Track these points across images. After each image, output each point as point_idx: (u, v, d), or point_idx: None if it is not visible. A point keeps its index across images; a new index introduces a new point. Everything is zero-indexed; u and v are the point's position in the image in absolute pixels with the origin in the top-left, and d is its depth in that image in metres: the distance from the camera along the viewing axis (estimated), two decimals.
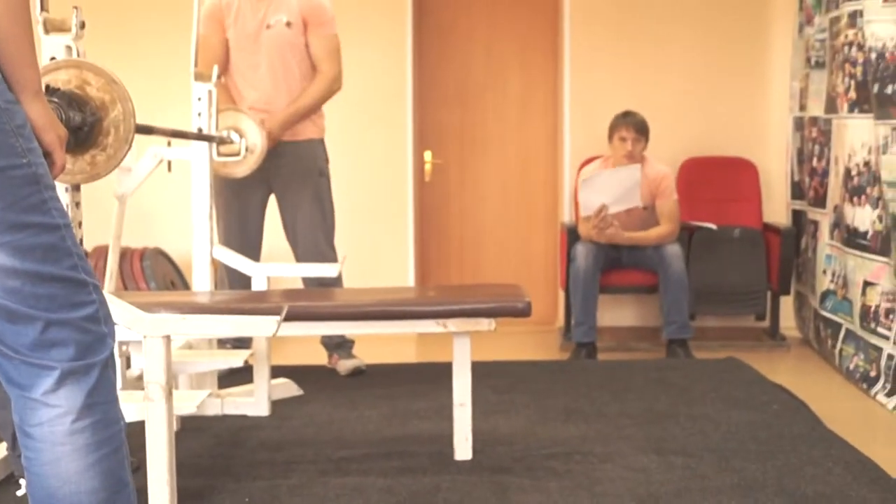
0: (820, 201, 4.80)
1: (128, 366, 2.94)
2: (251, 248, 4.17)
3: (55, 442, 1.52)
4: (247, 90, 4.16)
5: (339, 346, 4.37)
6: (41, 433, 1.53)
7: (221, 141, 3.62)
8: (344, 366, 4.31)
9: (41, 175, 1.50)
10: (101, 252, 4.74)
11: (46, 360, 1.52)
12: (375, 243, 5.54)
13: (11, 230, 1.46)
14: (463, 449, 2.97)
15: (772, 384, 4.00)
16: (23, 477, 2.72)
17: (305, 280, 4.23)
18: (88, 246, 4.80)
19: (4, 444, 2.79)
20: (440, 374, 3.66)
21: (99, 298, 1.59)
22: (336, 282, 4.09)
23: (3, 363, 1.54)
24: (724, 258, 5.06)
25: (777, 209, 5.48)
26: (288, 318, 2.72)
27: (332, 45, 4.19)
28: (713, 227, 5.11)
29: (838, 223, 4.49)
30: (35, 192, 1.49)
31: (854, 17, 4.21)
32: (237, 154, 3.69)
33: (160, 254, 5.16)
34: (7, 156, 1.45)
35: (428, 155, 5.83)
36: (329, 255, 4.20)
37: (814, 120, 4.88)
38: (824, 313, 4.68)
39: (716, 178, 5.45)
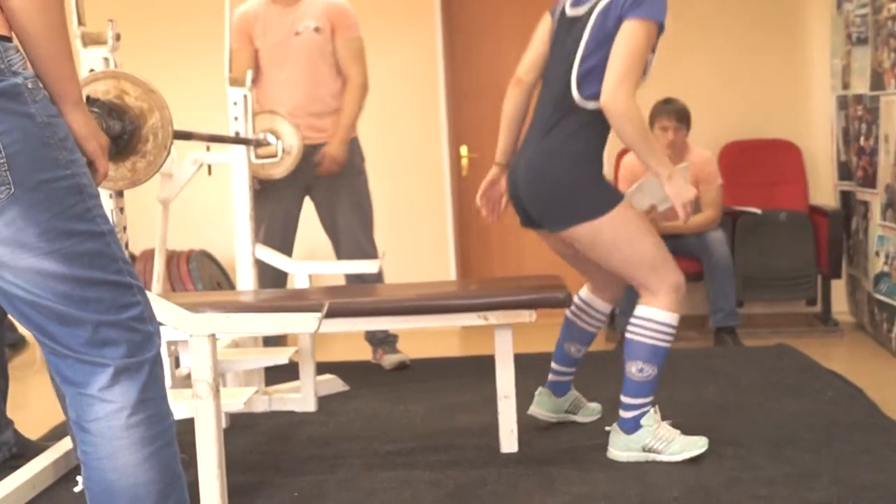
0: (869, 181, 4.71)
1: (177, 365, 2.97)
2: (287, 247, 4.22)
3: (112, 436, 1.58)
4: (278, 97, 4.18)
5: (383, 341, 4.39)
6: (98, 428, 1.58)
7: (259, 143, 3.65)
8: (389, 361, 4.33)
9: (84, 185, 1.55)
10: (149, 255, 4.80)
11: (100, 357, 1.57)
12: (416, 239, 5.56)
13: (59, 238, 1.51)
14: (509, 441, 2.97)
15: (825, 371, 3.94)
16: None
17: (348, 277, 4.26)
18: (136, 250, 4.88)
19: (67, 438, 2.84)
20: (484, 366, 3.65)
21: (143, 300, 1.65)
22: (377, 278, 4.11)
23: (57, 363, 1.60)
24: (771, 243, 4.99)
25: (823, 191, 5.40)
26: (330, 315, 2.74)
27: (357, 49, 4.24)
28: (757, 211, 5.04)
29: (891, 203, 4.41)
30: (80, 202, 1.54)
31: None
32: (275, 156, 3.71)
33: (206, 255, 5.21)
34: (52, 168, 1.50)
35: (464, 149, 5.82)
36: (370, 252, 4.23)
37: (858, 98, 4.80)
38: (879, 296, 4.59)
39: (758, 162, 5.38)
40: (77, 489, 2.31)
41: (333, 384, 3.88)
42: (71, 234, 1.52)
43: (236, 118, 3.46)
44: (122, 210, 2.45)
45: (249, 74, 3.52)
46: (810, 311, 5.29)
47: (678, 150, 4.78)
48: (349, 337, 4.75)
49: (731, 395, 3.61)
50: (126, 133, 2.09)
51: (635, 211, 2.86)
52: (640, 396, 2.82)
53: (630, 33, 2.66)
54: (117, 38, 2.25)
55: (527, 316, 2.88)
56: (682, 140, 4.78)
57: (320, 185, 4.26)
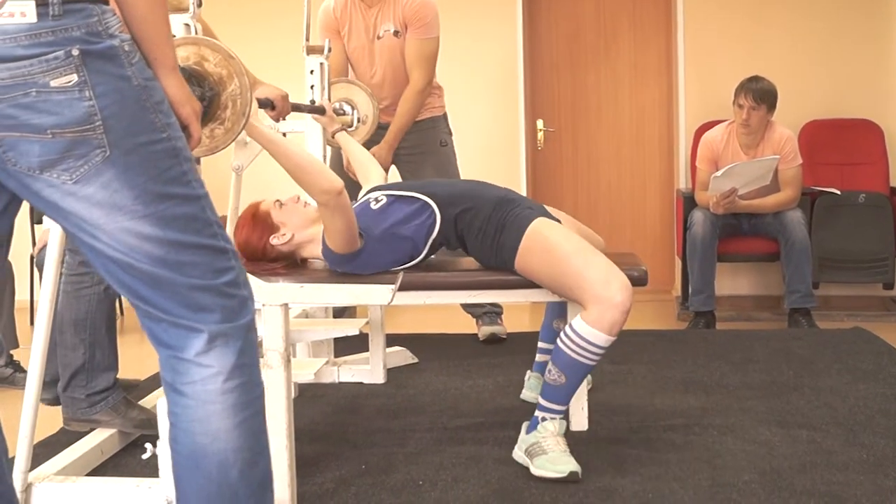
0: None
1: None
2: None
3: (207, 400, 1.57)
4: None
5: (485, 313, 4.39)
6: (194, 391, 1.57)
7: (334, 112, 3.64)
8: (483, 331, 4.33)
9: (180, 148, 1.55)
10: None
11: (195, 322, 1.56)
12: None
13: (155, 201, 1.50)
14: (579, 419, 2.93)
15: None
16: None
17: None
18: None
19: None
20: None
21: (237, 265, 1.63)
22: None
23: (152, 326, 1.59)
24: (849, 224, 4.88)
25: None
26: (403, 288, 2.73)
27: (427, 50, 4.10)
28: (837, 192, 4.93)
29: None
30: (175, 165, 1.53)
31: None
32: (350, 125, 3.70)
33: None
34: (148, 131, 1.50)
35: (540, 123, 5.78)
36: None
37: None
38: None
39: (839, 142, 5.25)
40: (145, 456, 2.33)
41: (403, 356, 3.89)
42: (166, 198, 1.51)
43: (312, 87, 3.45)
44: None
45: (327, 43, 3.50)
46: (887, 294, 5.17)
47: (754, 130, 4.68)
48: (418, 309, 4.75)
49: (806, 378, 3.54)
50: (205, 100, 2.08)
51: (548, 226, 2.70)
52: (548, 400, 2.63)
53: None
54: (199, 4, 2.24)
55: None
56: (759, 120, 4.67)
57: (407, 162, 4.28)
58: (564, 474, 2.52)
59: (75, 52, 1.41)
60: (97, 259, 1.55)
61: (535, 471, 2.57)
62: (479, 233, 2.74)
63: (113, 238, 1.50)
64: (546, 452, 2.57)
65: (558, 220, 2.80)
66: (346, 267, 2.72)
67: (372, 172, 3.25)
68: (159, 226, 1.51)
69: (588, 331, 2.53)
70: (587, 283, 2.55)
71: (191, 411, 1.58)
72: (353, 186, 3.47)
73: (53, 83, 1.41)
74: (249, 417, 1.60)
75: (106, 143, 1.45)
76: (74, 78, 1.42)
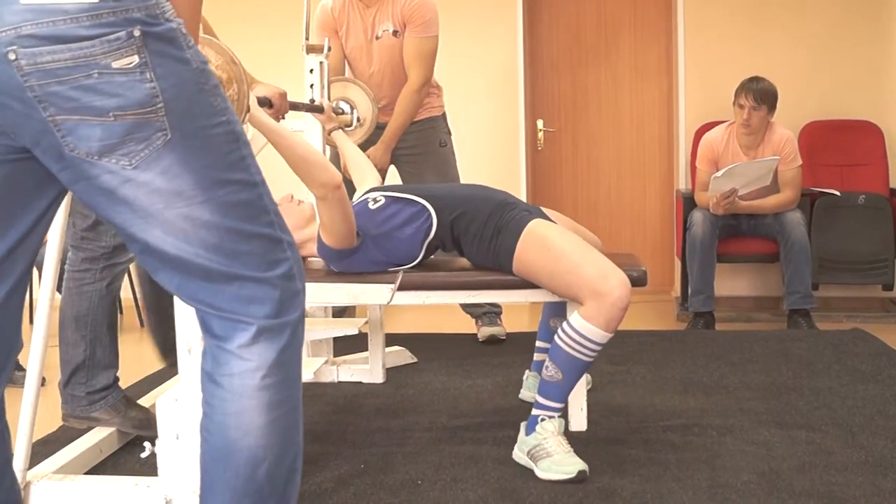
0: None
1: None
2: None
3: (243, 395, 1.54)
4: None
5: (484, 313, 4.38)
6: (230, 384, 1.54)
7: (333, 112, 3.64)
8: (482, 332, 4.33)
9: (238, 132, 1.52)
10: None
11: (244, 315, 1.53)
12: None
13: (214, 186, 1.47)
14: (578, 420, 2.93)
15: None
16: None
17: None
18: None
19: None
20: None
21: (293, 255, 1.59)
22: None
23: (203, 316, 1.57)
24: (849, 225, 4.88)
25: None
26: (402, 288, 2.73)
27: (425, 49, 4.07)
28: (836, 193, 4.93)
29: None
30: (235, 149, 1.51)
31: None
32: (349, 124, 3.70)
33: None
34: (208, 114, 1.47)
35: (540, 123, 5.78)
36: None
37: None
38: None
39: (839, 142, 5.25)
40: (144, 455, 2.32)
41: (402, 356, 3.89)
42: (226, 183, 1.48)
43: (312, 86, 3.45)
44: None
45: (327, 42, 3.50)
46: (887, 295, 5.17)
47: (755, 130, 4.68)
48: (418, 309, 4.74)
49: (805, 379, 3.54)
50: None
51: (543, 226, 2.70)
52: (545, 397, 2.63)
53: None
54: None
55: None
56: (760, 121, 4.67)
57: (405, 163, 4.27)
58: (573, 475, 2.51)
59: (137, 33, 1.39)
60: (148, 255, 1.52)
61: (542, 474, 2.55)
62: (476, 237, 2.74)
63: (168, 227, 1.47)
64: (551, 455, 2.57)
65: (554, 222, 2.80)
66: (340, 263, 2.72)
67: (367, 175, 3.25)
68: (218, 212, 1.48)
69: (585, 326, 2.53)
70: (584, 279, 2.55)
71: (226, 404, 1.54)
72: (348, 186, 3.48)
73: (115, 64, 1.38)
74: (283, 415, 1.57)
75: (167, 126, 1.42)
76: (136, 59, 1.39)
